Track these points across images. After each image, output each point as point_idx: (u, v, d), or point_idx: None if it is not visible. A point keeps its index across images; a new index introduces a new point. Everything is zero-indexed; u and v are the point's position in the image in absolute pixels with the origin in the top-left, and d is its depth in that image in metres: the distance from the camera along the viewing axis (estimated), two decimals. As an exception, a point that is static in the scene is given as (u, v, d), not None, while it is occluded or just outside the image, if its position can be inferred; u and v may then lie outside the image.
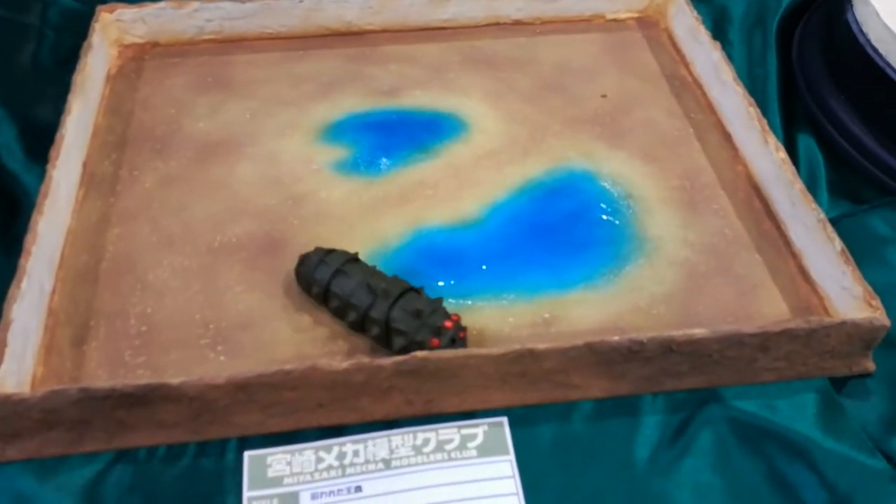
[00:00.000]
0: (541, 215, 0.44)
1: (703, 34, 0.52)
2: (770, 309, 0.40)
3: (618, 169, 0.47)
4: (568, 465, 0.34)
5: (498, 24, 0.57)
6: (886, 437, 0.36)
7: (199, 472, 0.34)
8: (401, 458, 0.34)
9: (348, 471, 0.33)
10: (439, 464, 0.33)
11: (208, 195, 0.45)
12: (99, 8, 0.52)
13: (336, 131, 0.49)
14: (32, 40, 0.54)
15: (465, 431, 0.34)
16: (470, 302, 0.40)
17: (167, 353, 0.37)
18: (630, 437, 0.35)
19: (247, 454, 0.34)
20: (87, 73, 0.48)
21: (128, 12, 0.53)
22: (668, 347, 0.35)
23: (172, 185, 0.45)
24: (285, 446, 0.34)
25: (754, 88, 0.52)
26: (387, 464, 0.33)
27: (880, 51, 0.47)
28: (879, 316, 0.36)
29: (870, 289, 0.37)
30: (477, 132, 0.49)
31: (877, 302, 0.36)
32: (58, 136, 0.43)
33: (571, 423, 0.36)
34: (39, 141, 0.44)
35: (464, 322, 0.38)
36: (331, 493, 0.33)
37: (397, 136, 0.48)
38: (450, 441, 0.34)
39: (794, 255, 0.42)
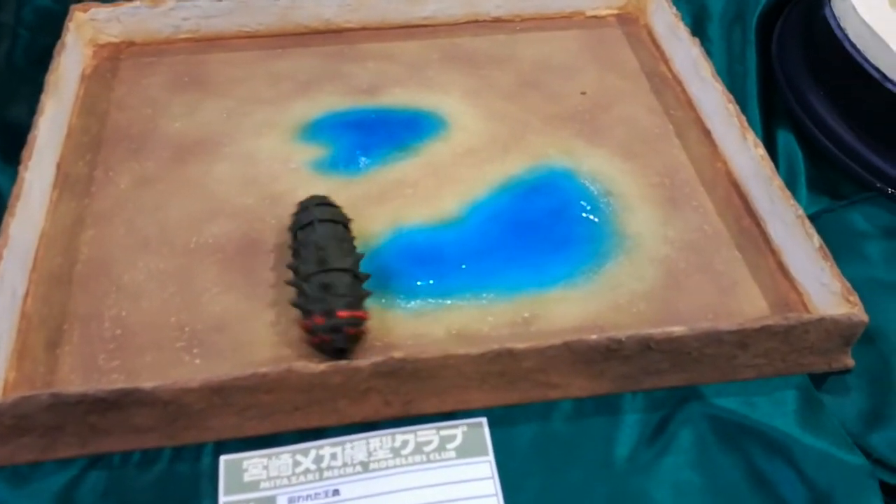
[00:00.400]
0: (521, 213, 0.44)
1: (683, 31, 0.52)
2: (749, 305, 0.40)
3: (598, 166, 0.47)
4: (548, 465, 0.34)
5: (477, 21, 0.57)
6: (866, 433, 0.36)
7: (174, 477, 0.33)
8: (379, 461, 0.33)
9: (326, 474, 0.33)
10: (418, 466, 0.33)
11: (185, 195, 0.44)
12: (73, 7, 0.52)
13: (314, 130, 0.48)
14: (6, 39, 0.53)
15: (443, 433, 0.34)
16: (449, 301, 0.39)
17: (142, 357, 0.37)
18: (610, 435, 0.35)
19: (223, 458, 0.33)
20: (60, 72, 0.47)
21: (102, 11, 0.52)
22: (647, 345, 0.35)
23: (148, 186, 0.44)
24: (262, 450, 0.33)
25: (734, 85, 0.52)
26: (365, 466, 0.33)
27: (858, 46, 0.47)
28: (858, 312, 0.36)
29: (848, 285, 0.37)
30: (457, 130, 0.49)
31: (855, 298, 0.36)
32: (30, 136, 0.42)
33: (551, 422, 0.35)
34: (12, 141, 0.44)
35: (442, 321, 0.37)
36: (308, 496, 0.32)
37: (376, 134, 0.48)
38: (428, 442, 0.34)
39: (774, 252, 0.42)
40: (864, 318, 0.36)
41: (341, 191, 0.45)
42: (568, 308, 0.39)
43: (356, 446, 0.34)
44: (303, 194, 0.44)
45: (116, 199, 0.44)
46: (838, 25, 0.49)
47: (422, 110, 0.50)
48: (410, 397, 0.35)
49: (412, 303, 0.39)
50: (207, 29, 0.54)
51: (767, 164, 0.43)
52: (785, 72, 0.53)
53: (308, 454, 0.33)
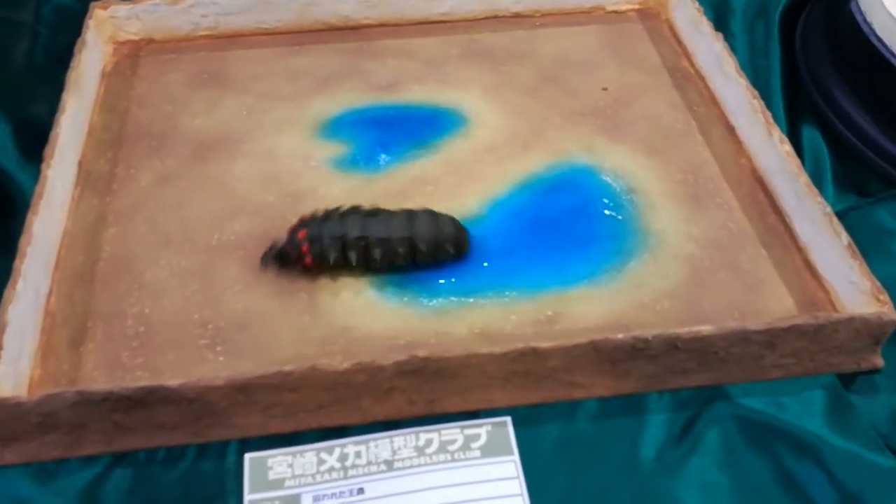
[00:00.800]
0: (542, 211, 0.44)
1: (705, 25, 0.51)
2: (776, 304, 0.39)
3: (620, 163, 0.46)
4: (573, 464, 0.34)
5: (496, 16, 0.56)
6: (896, 433, 0.35)
7: (199, 474, 0.33)
8: (403, 460, 0.33)
9: (350, 472, 0.33)
10: (442, 465, 0.33)
11: (206, 193, 0.44)
12: (93, 5, 0.52)
13: (334, 127, 0.48)
14: (26, 38, 0.53)
15: (468, 432, 0.34)
16: (472, 300, 0.39)
17: (165, 354, 0.37)
18: (636, 435, 0.35)
19: (247, 456, 0.33)
20: (81, 70, 0.47)
21: (122, 9, 0.52)
22: (674, 345, 0.34)
23: (169, 183, 0.44)
24: (286, 448, 0.33)
25: (757, 80, 0.51)
26: (389, 465, 0.33)
27: (885, 40, 0.46)
28: (888, 311, 0.35)
29: (878, 283, 0.36)
30: (476, 127, 0.48)
31: (885, 296, 0.36)
32: (52, 134, 0.42)
33: (576, 422, 0.35)
34: (34, 140, 0.44)
35: (465, 320, 0.37)
36: (333, 495, 0.32)
37: (396, 131, 0.48)
38: (453, 441, 0.34)
39: (800, 250, 0.41)
40: (895, 317, 0.35)
41: (362, 188, 0.44)
42: (591, 306, 0.39)
43: (380, 445, 0.34)
44: (324, 192, 0.44)
45: (138, 196, 0.44)
46: (864, 19, 0.48)
47: (441, 107, 0.50)
48: (434, 396, 0.35)
49: (434, 301, 0.39)
50: (226, 26, 0.54)
51: (794, 160, 0.42)
52: (809, 67, 0.52)
53: (332, 452, 0.33)
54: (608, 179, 0.45)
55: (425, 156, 0.46)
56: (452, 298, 0.39)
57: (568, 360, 0.34)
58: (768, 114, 0.45)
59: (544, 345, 0.34)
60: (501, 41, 0.55)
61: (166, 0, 0.52)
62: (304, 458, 0.33)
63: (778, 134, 0.44)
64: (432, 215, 0.40)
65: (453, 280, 0.40)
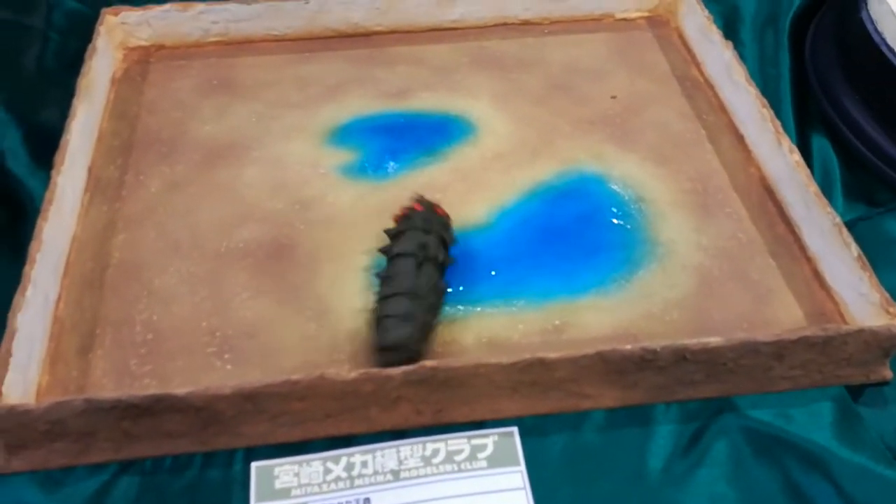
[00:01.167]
0: (551, 219, 0.44)
1: (715, 33, 0.51)
2: (785, 315, 0.39)
3: (629, 171, 0.46)
4: (580, 475, 0.34)
5: (506, 24, 0.56)
6: (905, 447, 0.35)
7: (205, 483, 0.33)
8: (410, 470, 0.33)
9: (357, 482, 0.33)
10: (449, 475, 0.33)
11: (215, 200, 0.44)
12: (103, 11, 0.52)
13: (343, 134, 0.48)
14: (37, 43, 0.53)
15: (475, 442, 0.34)
16: (479, 308, 0.39)
17: (173, 361, 0.37)
18: (643, 447, 0.35)
19: (254, 465, 0.33)
20: (91, 76, 0.47)
21: (133, 15, 0.52)
22: (682, 356, 0.34)
23: (179, 190, 0.45)
24: (293, 457, 0.33)
25: (767, 89, 0.51)
26: (395, 475, 0.33)
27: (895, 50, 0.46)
28: (897, 323, 0.35)
29: (887, 295, 0.36)
30: (485, 134, 0.48)
31: (894, 309, 0.36)
32: (62, 140, 0.43)
33: (583, 432, 0.35)
34: (45, 145, 0.44)
35: (472, 329, 0.37)
36: (339, 504, 0.32)
37: (405, 139, 0.48)
38: (460, 451, 0.34)
39: (809, 260, 0.41)
40: (905, 329, 0.35)
41: (370, 196, 0.45)
42: (599, 316, 0.39)
43: (387, 454, 0.33)
44: (332, 199, 0.44)
45: (147, 203, 0.44)
46: (875, 28, 0.48)
47: (450, 114, 0.50)
48: (441, 406, 0.35)
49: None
50: (236, 32, 0.54)
51: (803, 169, 0.42)
52: (819, 76, 0.52)
53: (339, 462, 0.33)
54: (617, 188, 0.45)
55: (434, 163, 0.47)
56: (460, 307, 0.39)
57: (575, 370, 0.34)
58: (778, 123, 0.45)
59: (552, 355, 0.34)
60: (511, 49, 0.55)
61: (177, 6, 0.52)
62: (311, 467, 0.33)
63: (787, 143, 0.43)
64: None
65: (461, 288, 0.40)
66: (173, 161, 0.46)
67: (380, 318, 0.36)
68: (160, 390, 0.32)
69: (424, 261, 0.37)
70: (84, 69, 0.47)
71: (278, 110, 0.50)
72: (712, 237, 0.43)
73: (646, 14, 0.57)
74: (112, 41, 0.52)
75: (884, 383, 0.37)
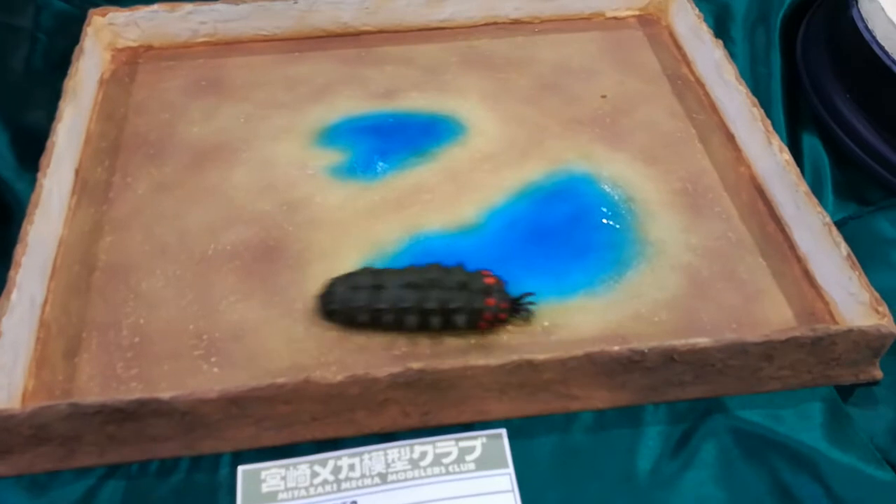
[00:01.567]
0: (540, 220, 0.43)
1: (705, 32, 0.51)
2: (774, 314, 0.39)
3: (618, 171, 0.46)
4: (568, 477, 0.34)
5: (496, 23, 0.56)
6: (894, 447, 0.35)
7: (192, 487, 0.33)
8: (397, 472, 0.33)
9: (344, 485, 0.33)
10: (437, 478, 0.33)
11: (202, 202, 0.44)
12: (91, 11, 0.52)
13: (332, 135, 0.48)
14: (24, 44, 0.53)
15: (462, 444, 0.34)
16: (468, 310, 0.39)
17: (160, 365, 0.37)
18: (632, 448, 0.34)
19: (241, 469, 0.33)
20: (79, 77, 0.47)
21: (120, 15, 0.52)
22: (670, 357, 0.34)
23: (166, 192, 0.44)
24: (280, 461, 0.33)
25: (757, 88, 0.51)
26: (383, 478, 0.33)
27: (886, 48, 0.46)
28: (887, 323, 0.35)
29: (877, 295, 0.36)
30: (475, 135, 0.48)
31: (884, 308, 0.36)
32: (49, 143, 0.42)
33: (572, 434, 0.35)
34: (31, 147, 0.44)
35: (460, 330, 0.37)
36: (326, 508, 0.32)
37: (394, 139, 0.48)
38: (447, 454, 0.33)
39: (799, 260, 0.41)
40: (894, 329, 0.35)
41: (358, 197, 0.44)
42: (588, 317, 0.39)
43: (374, 457, 0.33)
44: (320, 200, 0.44)
45: (134, 205, 0.44)
46: (865, 27, 0.48)
47: (440, 115, 0.49)
48: (429, 408, 0.34)
49: (430, 311, 0.39)
50: (225, 33, 0.54)
51: (793, 169, 0.42)
52: (810, 74, 0.52)
53: (326, 465, 0.33)
54: (607, 188, 0.45)
55: (423, 164, 0.46)
56: (448, 309, 0.39)
57: (564, 372, 0.34)
58: (768, 122, 0.45)
59: (540, 357, 0.33)
60: (500, 48, 0.54)
61: (165, 7, 0.52)
62: (298, 470, 0.33)
63: (778, 142, 0.43)
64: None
65: (450, 290, 0.40)
66: (161, 163, 0.46)
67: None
68: (147, 394, 0.32)
69: (428, 299, 0.37)
70: (71, 70, 0.47)
71: (267, 111, 0.49)
72: (702, 237, 0.42)
73: (636, 12, 0.57)
74: (100, 42, 0.52)
75: (873, 383, 0.37)
